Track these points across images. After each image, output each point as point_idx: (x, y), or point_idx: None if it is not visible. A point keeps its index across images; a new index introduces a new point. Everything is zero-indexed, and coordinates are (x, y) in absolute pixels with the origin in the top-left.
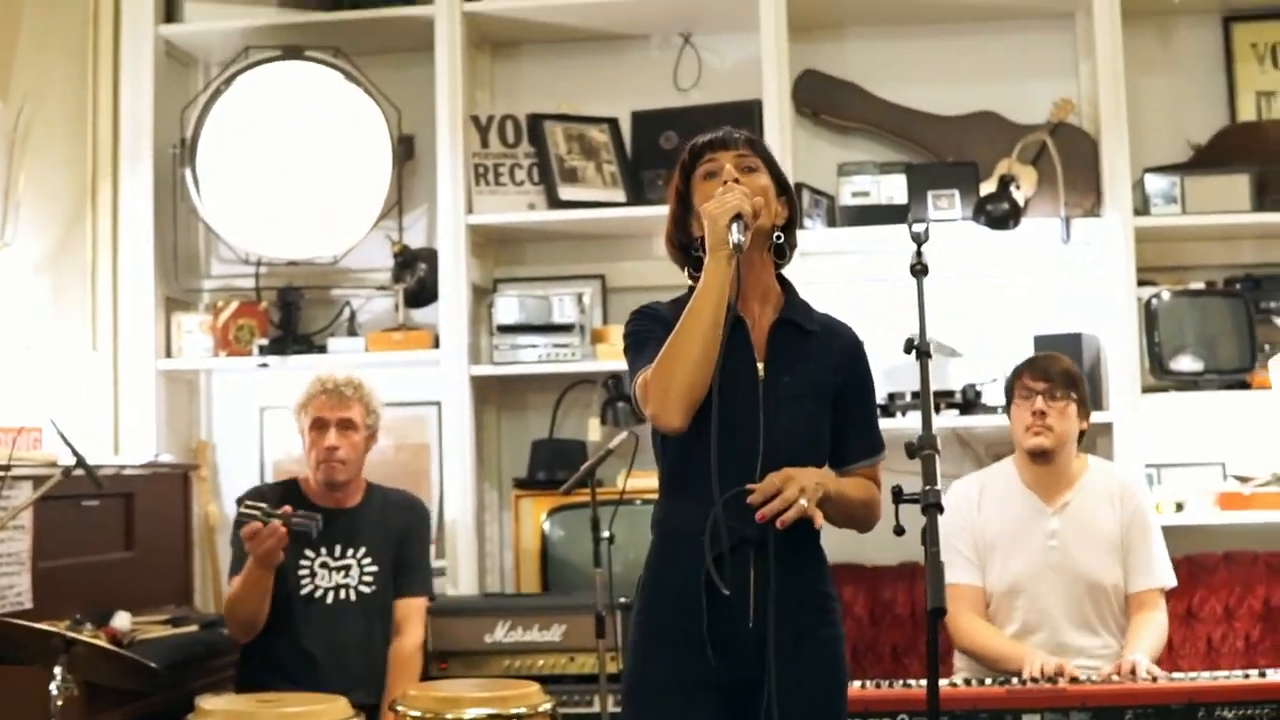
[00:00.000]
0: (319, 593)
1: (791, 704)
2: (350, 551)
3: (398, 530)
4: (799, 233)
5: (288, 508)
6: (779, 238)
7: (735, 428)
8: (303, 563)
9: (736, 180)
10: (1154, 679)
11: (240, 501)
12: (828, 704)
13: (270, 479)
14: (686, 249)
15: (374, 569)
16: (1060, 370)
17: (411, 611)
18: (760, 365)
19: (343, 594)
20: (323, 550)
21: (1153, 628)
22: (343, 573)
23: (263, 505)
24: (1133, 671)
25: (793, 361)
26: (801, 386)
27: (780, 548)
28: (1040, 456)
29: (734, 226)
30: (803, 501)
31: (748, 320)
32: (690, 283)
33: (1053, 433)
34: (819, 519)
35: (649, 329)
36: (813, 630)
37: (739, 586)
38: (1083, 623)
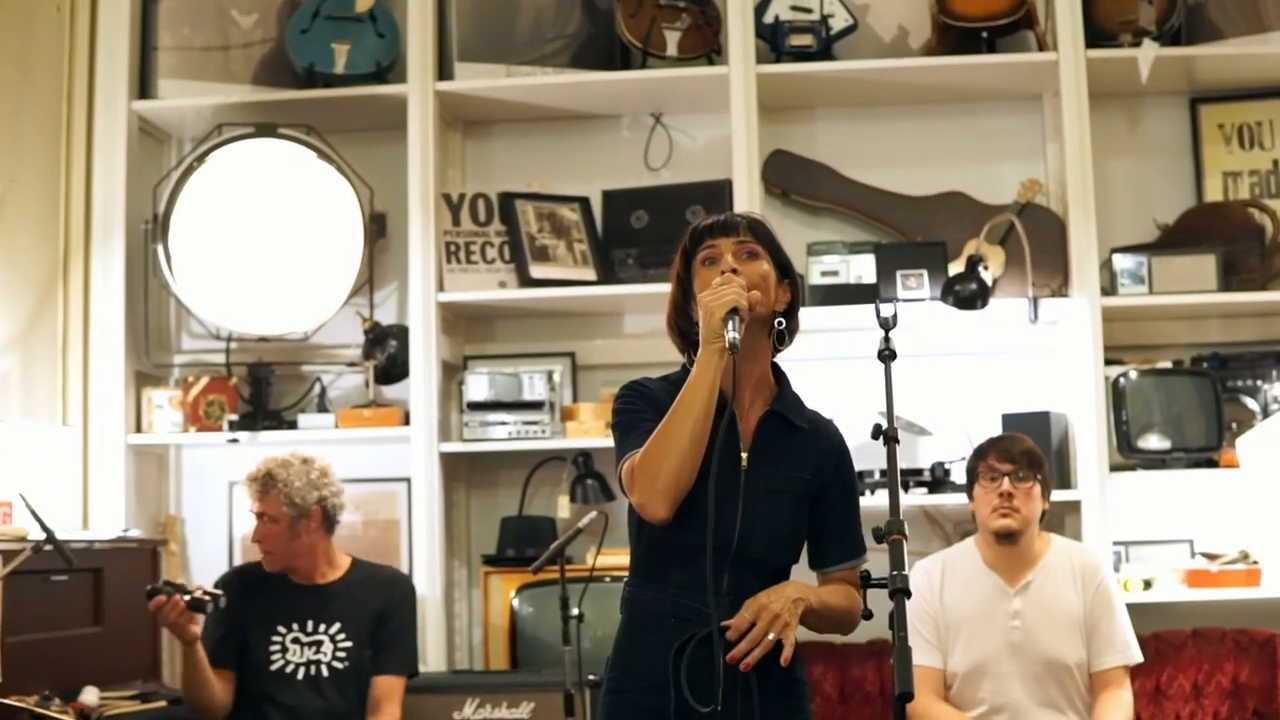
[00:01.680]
0: (289, 668)
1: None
2: (323, 627)
3: (377, 607)
4: None
5: (199, 586)
6: (780, 324)
7: (715, 513)
8: (274, 639)
9: (735, 270)
10: None
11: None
12: None
13: (239, 554)
14: (686, 334)
15: (348, 645)
16: (1023, 451)
17: (390, 690)
18: (744, 455)
19: (314, 670)
20: (294, 626)
21: (1118, 707)
22: (314, 648)
23: (172, 581)
24: None
25: (777, 456)
26: (782, 482)
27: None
28: (1006, 538)
29: (729, 322)
30: (770, 636)
31: (736, 410)
32: (686, 364)
33: (1019, 514)
34: (789, 649)
35: (638, 410)
36: (778, 714)
37: (707, 670)
38: (1047, 703)
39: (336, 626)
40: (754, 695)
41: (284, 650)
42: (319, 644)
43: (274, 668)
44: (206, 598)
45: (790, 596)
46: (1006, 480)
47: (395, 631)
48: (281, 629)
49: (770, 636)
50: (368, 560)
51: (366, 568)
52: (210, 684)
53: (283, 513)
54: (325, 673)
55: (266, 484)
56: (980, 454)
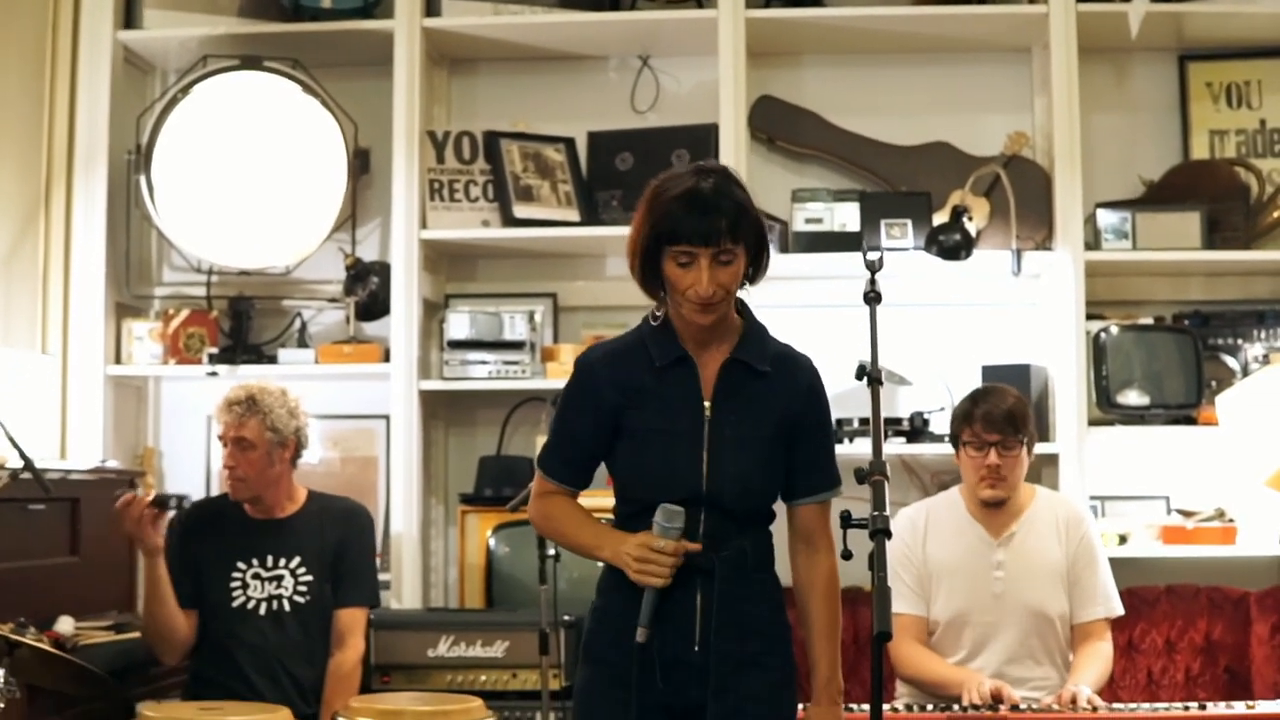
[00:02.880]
0: (251, 604)
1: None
2: (283, 561)
3: (335, 539)
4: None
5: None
6: (749, 273)
7: (678, 469)
8: (235, 574)
9: (708, 303)
10: (1094, 709)
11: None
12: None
13: (215, 487)
14: (651, 284)
15: (309, 579)
16: (1008, 415)
17: (352, 623)
18: (707, 405)
19: (275, 605)
20: (254, 561)
21: (1097, 659)
22: (275, 583)
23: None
24: (1073, 701)
25: (740, 404)
26: (748, 429)
27: (729, 576)
28: (995, 504)
29: (648, 595)
30: None
31: (697, 359)
32: (651, 315)
33: (1006, 482)
34: None
35: (573, 410)
36: (757, 659)
37: (685, 612)
38: (1027, 654)
39: (296, 560)
40: (729, 631)
41: (244, 586)
42: (279, 579)
43: (235, 604)
44: (171, 497)
45: (837, 718)
46: (993, 452)
47: (355, 564)
48: (241, 564)
49: None
50: (322, 492)
51: (323, 499)
52: (170, 604)
53: (264, 439)
54: (287, 607)
55: (250, 408)
56: (966, 418)
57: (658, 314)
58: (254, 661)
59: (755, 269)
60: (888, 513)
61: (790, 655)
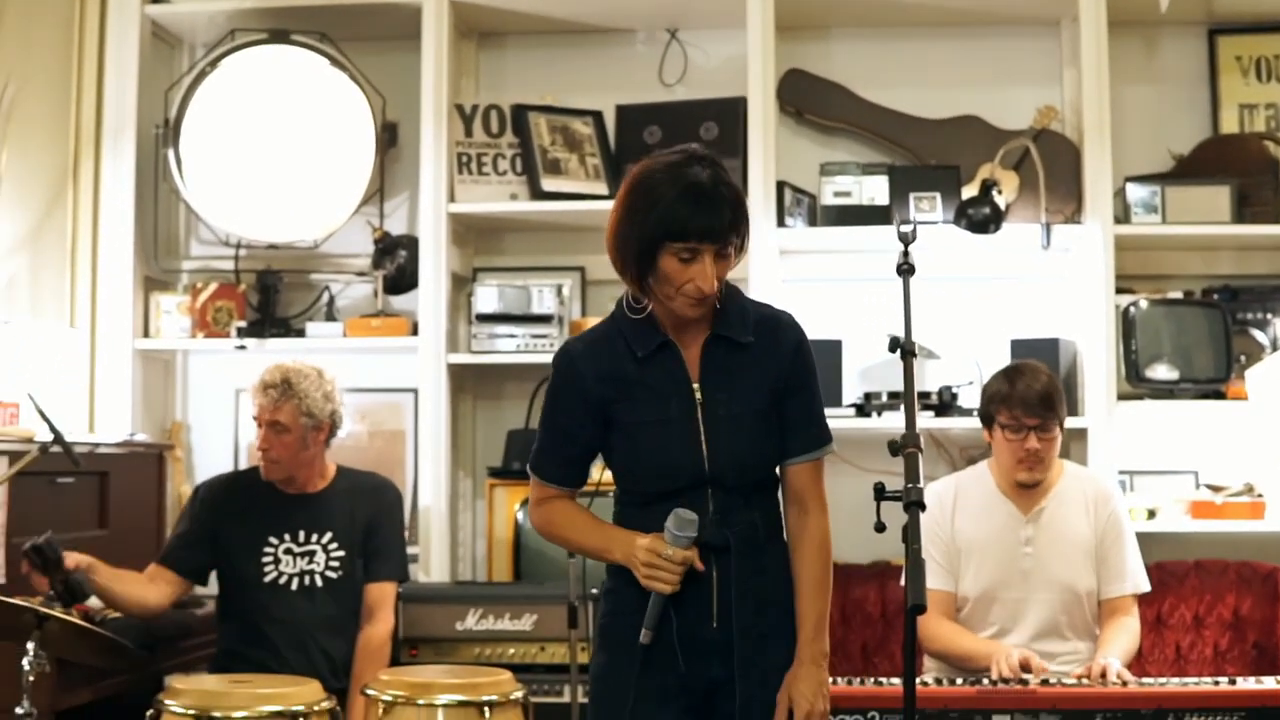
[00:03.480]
0: (283, 579)
1: (756, 705)
2: (315, 537)
3: (366, 515)
4: (783, 230)
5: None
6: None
7: (677, 458)
8: (266, 549)
9: (705, 298)
10: (1124, 683)
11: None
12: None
13: (244, 460)
14: (631, 271)
15: (340, 554)
16: (1043, 396)
17: (382, 597)
18: (696, 387)
19: (308, 580)
20: (286, 537)
21: (1125, 633)
22: (307, 559)
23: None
24: (1103, 675)
25: (729, 380)
26: (740, 405)
27: (743, 550)
28: (1030, 486)
29: (654, 600)
30: None
31: (679, 342)
32: (630, 305)
33: (1044, 464)
34: None
35: (559, 408)
36: (777, 629)
37: (702, 590)
38: (1055, 630)
39: (329, 536)
40: (746, 606)
41: (276, 561)
42: (311, 554)
43: (267, 579)
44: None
45: (819, 681)
46: (1032, 436)
47: (385, 539)
48: (273, 539)
49: None
50: (351, 467)
51: (352, 475)
52: (131, 596)
53: (299, 423)
54: (320, 582)
55: (285, 392)
56: (1002, 399)
57: (636, 303)
58: (285, 636)
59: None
60: (922, 485)
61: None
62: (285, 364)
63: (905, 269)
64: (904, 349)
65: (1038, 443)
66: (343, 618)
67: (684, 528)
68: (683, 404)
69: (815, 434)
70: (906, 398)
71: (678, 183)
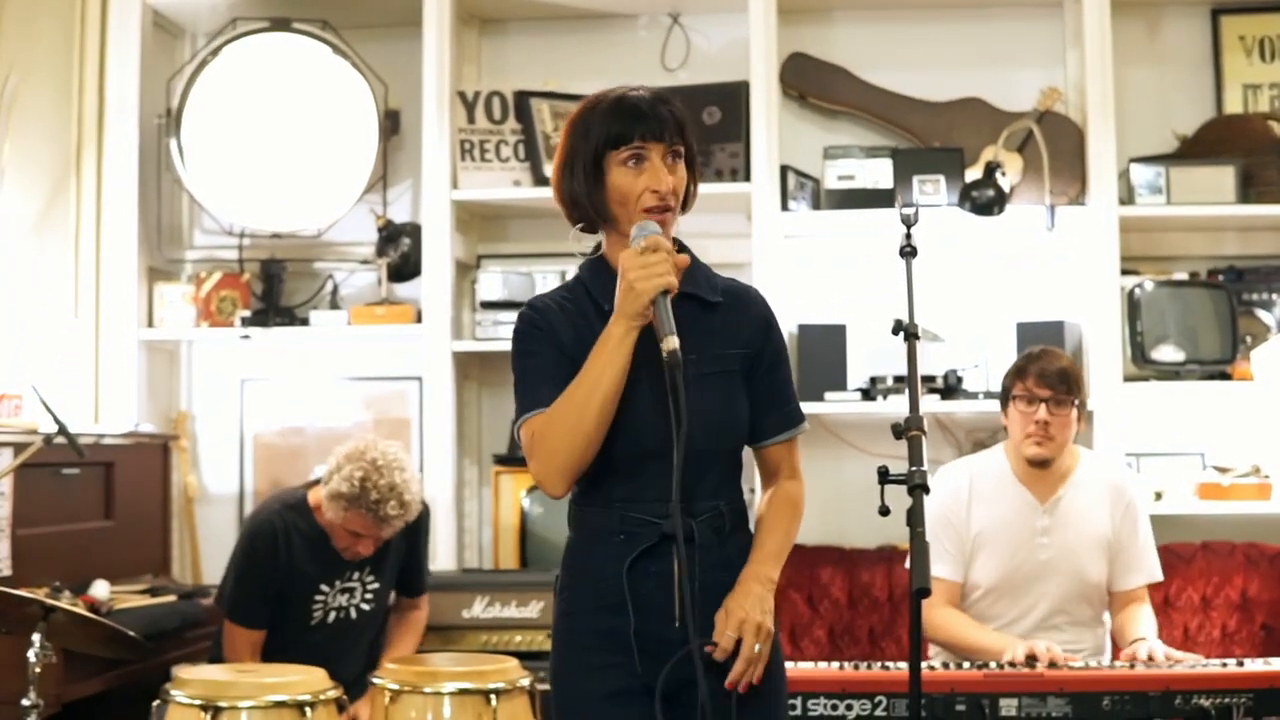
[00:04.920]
0: (324, 616)
1: (723, 702)
2: (356, 575)
3: (404, 547)
4: (787, 215)
5: None
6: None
7: (644, 417)
8: (318, 597)
9: (666, 209)
10: (1173, 664)
11: None
12: (763, 698)
13: (250, 450)
14: (578, 208)
15: (375, 586)
16: (1060, 372)
17: (420, 601)
18: (664, 351)
19: (343, 614)
20: (335, 582)
21: (1145, 618)
22: (347, 595)
23: None
24: (1166, 659)
25: (699, 339)
26: (710, 364)
27: (707, 544)
28: (1039, 464)
29: (661, 312)
30: (759, 648)
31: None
32: (580, 247)
33: (1054, 442)
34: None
35: (533, 355)
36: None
37: (663, 586)
38: (1067, 619)
39: (368, 570)
40: (712, 602)
41: (325, 605)
42: (351, 590)
43: (313, 622)
44: None
45: (759, 595)
46: (1044, 408)
47: (418, 563)
48: (325, 587)
49: (759, 648)
50: None
51: None
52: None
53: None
54: (353, 615)
55: (404, 511)
56: (1019, 373)
57: (590, 253)
58: (306, 658)
59: (690, 191)
60: (925, 468)
61: (773, 618)
62: (395, 481)
63: (908, 252)
64: (907, 332)
65: (1048, 415)
66: (363, 644)
67: (645, 228)
68: (651, 363)
69: (790, 413)
70: (910, 381)
71: (612, 100)
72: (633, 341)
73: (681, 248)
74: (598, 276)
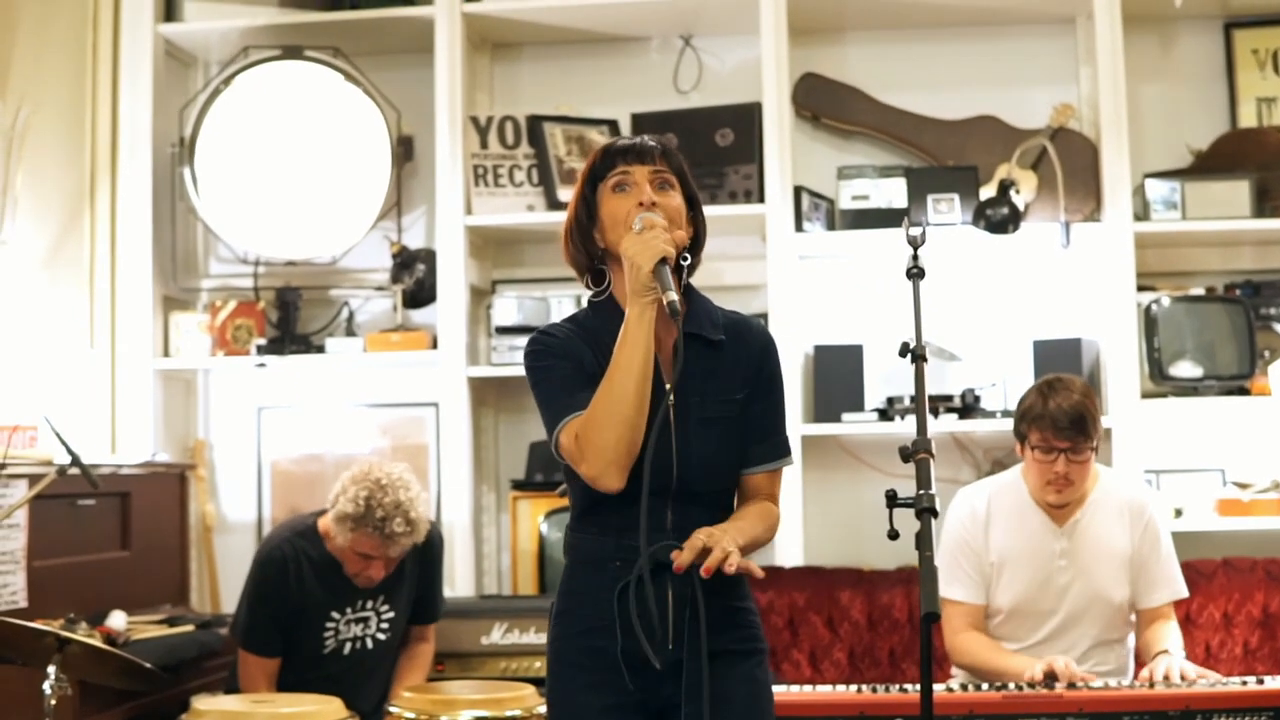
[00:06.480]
0: (338, 646)
1: None
2: (370, 603)
3: (416, 573)
4: (801, 235)
5: None
6: (685, 259)
7: (648, 456)
8: (329, 624)
9: (654, 203)
10: (1211, 684)
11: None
12: (749, 715)
13: (268, 478)
14: (583, 258)
15: (390, 615)
16: (1076, 419)
17: (430, 630)
18: (668, 387)
19: (359, 644)
20: (348, 610)
21: (1172, 634)
22: (361, 625)
23: None
24: (1182, 678)
25: (701, 380)
26: (713, 409)
27: (698, 570)
28: (1059, 508)
29: (660, 274)
30: (734, 553)
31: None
32: (590, 292)
33: (1073, 486)
34: (755, 569)
35: (554, 369)
36: (729, 647)
37: (658, 609)
38: (1090, 641)
39: (380, 598)
40: (702, 628)
41: (336, 634)
42: (365, 620)
43: (327, 651)
44: None
45: (728, 532)
46: (1062, 459)
47: (433, 588)
48: (336, 614)
49: (735, 553)
50: None
51: None
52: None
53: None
54: (369, 645)
55: (412, 531)
56: (1032, 419)
57: (599, 289)
58: (324, 689)
59: (695, 243)
60: (934, 490)
61: (761, 640)
62: (401, 498)
63: (915, 272)
64: (914, 353)
65: (1067, 466)
66: (385, 673)
67: (640, 217)
68: (654, 405)
69: (777, 444)
70: (918, 402)
71: (603, 144)
72: (651, 319)
73: (688, 290)
74: (604, 316)
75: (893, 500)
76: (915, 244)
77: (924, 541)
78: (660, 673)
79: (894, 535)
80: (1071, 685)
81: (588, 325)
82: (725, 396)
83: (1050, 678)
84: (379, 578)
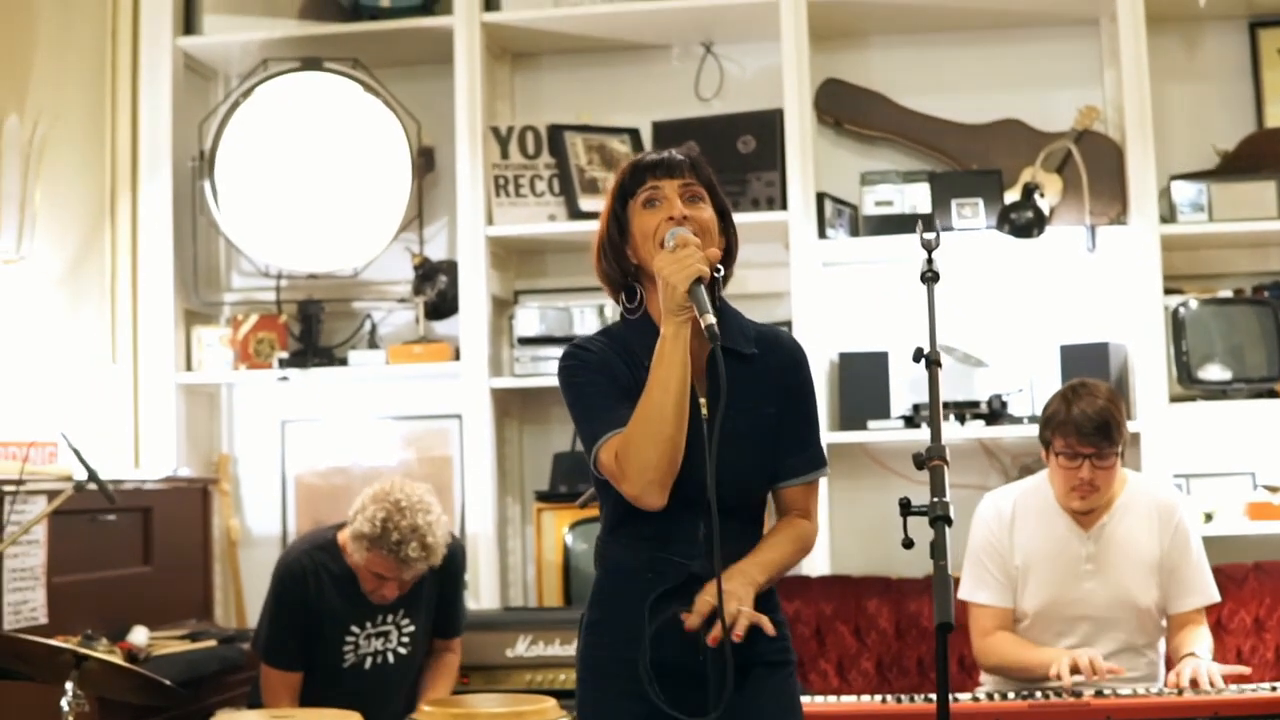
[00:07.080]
0: (359, 660)
1: None
2: (390, 617)
3: (437, 587)
4: (825, 242)
5: None
6: (718, 272)
7: (680, 473)
8: (348, 638)
9: (685, 217)
10: (1216, 690)
11: None
12: None
13: (291, 492)
14: (616, 275)
15: (411, 629)
16: (1100, 425)
17: (455, 643)
18: (702, 401)
19: (380, 659)
20: (367, 624)
21: (1203, 639)
22: (381, 639)
23: None
24: (1211, 683)
25: (733, 395)
26: (746, 423)
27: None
28: (1084, 514)
29: (695, 295)
30: (745, 611)
31: None
32: (625, 310)
33: (1099, 493)
34: (767, 624)
35: (590, 383)
36: (761, 657)
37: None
38: (1118, 645)
39: (401, 613)
40: (729, 670)
41: (356, 648)
42: (386, 634)
43: (346, 665)
44: None
45: (739, 583)
46: (1087, 465)
47: (454, 603)
48: (355, 628)
49: (746, 611)
50: None
51: None
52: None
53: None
54: (391, 659)
55: (428, 554)
56: (1057, 427)
57: (632, 307)
58: (346, 704)
59: (726, 256)
60: (948, 498)
61: (790, 650)
62: (418, 522)
63: (929, 277)
64: (928, 359)
65: (1091, 473)
66: (407, 688)
67: (672, 233)
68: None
69: (811, 456)
70: (932, 409)
71: (630, 161)
72: (686, 337)
73: (721, 303)
74: (638, 331)
75: (906, 509)
76: (929, 247)
77: (939, 551)
78: (692, 682)
79: (908, 544)
80: (1099, 693)
81: (621, 338)
82: (757, 410)
83: (1075, 673)
84: (392, 597)
